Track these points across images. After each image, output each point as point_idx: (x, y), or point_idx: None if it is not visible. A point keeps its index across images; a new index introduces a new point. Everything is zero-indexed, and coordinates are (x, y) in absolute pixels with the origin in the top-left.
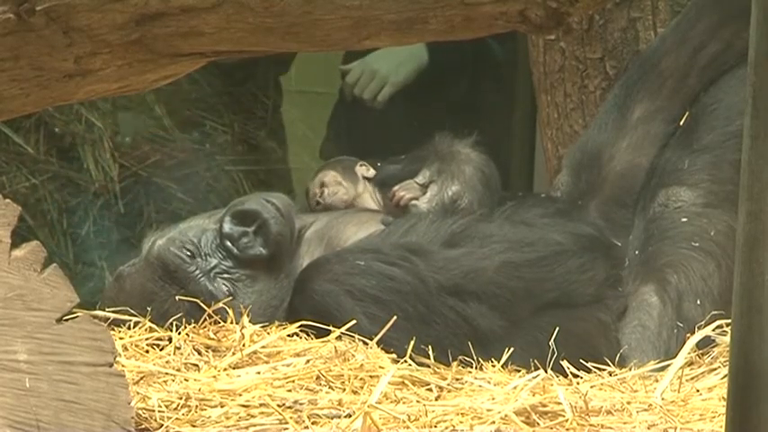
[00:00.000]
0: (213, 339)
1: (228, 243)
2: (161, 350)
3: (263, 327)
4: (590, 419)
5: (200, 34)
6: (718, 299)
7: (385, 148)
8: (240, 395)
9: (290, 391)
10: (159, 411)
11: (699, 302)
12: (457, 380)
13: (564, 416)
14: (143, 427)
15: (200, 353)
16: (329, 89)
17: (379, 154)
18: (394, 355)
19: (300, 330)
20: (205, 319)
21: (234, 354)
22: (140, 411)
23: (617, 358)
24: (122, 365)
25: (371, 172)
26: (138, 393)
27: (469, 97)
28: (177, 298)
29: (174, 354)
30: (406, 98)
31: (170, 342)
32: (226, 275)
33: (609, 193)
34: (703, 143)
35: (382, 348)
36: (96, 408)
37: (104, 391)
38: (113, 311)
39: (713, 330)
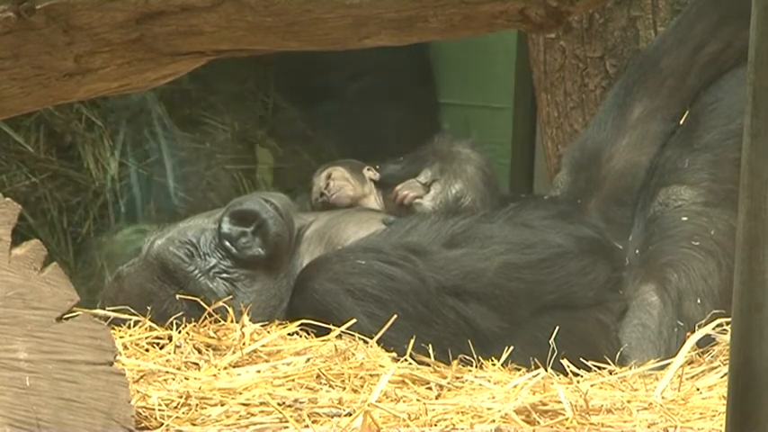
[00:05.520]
0: (213, 338)
1: (227, 243)
2: (161, 349)
3: (263, 326)
4: (590, 418)
5: (200, 33)
6: (719, 298)
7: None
8: (240, 394)
9: (290, 389)
10: (159, 410)
11: (699, 301)
12: (457, 378)
13: (564, 414)
14: (143, 425)
15: (200, 351)
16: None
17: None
18: (394, 354)
19: (301, 329)
20: (205, 318)
21: (234, 352)
22: (140, 410)
23: (617, 357)
24: (122, 364)
25: (378, 176)
26: (138, 392)
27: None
28: (177, 297)
29: (175, 352)
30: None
31: (170, 341)
32: (225, 275)
33: (608, 192)
34: (703, 142)
35: (382, 347)
36: (96, 406)
37: (104, 390)
38: (113, 310)
39: (713, 329)
